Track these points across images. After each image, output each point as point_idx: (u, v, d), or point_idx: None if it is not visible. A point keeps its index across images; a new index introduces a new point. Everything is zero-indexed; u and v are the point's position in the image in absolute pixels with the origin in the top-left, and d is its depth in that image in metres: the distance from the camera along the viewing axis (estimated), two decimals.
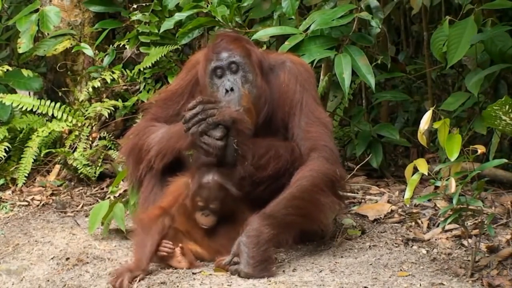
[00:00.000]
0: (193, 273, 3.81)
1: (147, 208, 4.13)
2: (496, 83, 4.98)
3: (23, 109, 5.65)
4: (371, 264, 3.88)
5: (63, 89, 6.03)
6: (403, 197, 4.11)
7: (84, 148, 5.64)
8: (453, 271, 3.77)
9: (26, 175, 5.48)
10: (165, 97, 4.37)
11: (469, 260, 3.82)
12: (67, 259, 4.24)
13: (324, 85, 5.13)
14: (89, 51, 5.85)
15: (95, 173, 5.53)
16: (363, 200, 4.84)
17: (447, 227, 4.20)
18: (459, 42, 4.56)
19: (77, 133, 5.70)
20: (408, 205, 4.59)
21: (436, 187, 3.84)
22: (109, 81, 5.78)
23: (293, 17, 4.99)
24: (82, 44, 5.89)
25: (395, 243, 4.18)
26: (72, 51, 5.93)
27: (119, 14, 6.13)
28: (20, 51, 5.77)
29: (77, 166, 5.49)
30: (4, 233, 4.72)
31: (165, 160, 4.10)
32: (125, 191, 5.05)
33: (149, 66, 5.73)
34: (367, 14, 4.77)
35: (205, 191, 3.94)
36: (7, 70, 5.82)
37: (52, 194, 5.40)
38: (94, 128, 5.78)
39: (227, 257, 3.79)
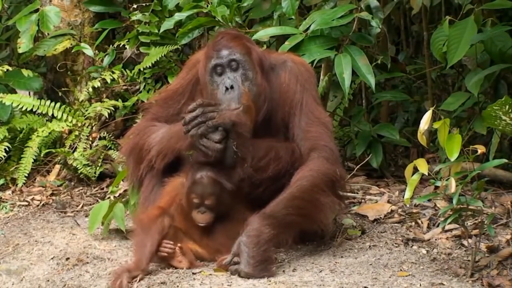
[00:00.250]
0: (193, 273, 3.81)
1: (147, 208, 4.14)
2: (496, 83, 4.98)
3: (23, 109, 5.65)
4: (371, 264, 3.88)
5: (63, 89, 6.03)
6: (403, 197, 4.11)
7: (84, 148, 5.64)
8: (453, 271, 3.77)
9: (26, 175, 5.49)
10: (165, 96, 4.37)
11: (469, 260, 3.82)
12: (67, 259, 4.24)
13: (324, 85, 5.13)
14: (89, 51, 5.85)
15: (95, 173, 5.53)
16: (363, 200, 4.84)
17: (447, 227, 4.20)
18: (459, 42, 4.56)
19: (77, 133, 5.70)
20: (408, 205, 4.59)
21: (436, 187, 3.84)
22: (109, 81, 5.78)
23: (293, 17, 4.99)
24: (82, 44, 5.89)
25: (395, 243, 4.18)
26: (72, 51, 5.94)
27: (119, 14, 6.13)
28: (20, 51, 5.78)
29: (77, 166, 5.49)
30: (4, 233, 4.72)
31: (166, 160, 4.11)
32: (125, 191, 5.05)
33: (149, 66, 5.73)
34: (367, 14, 4.77)
35: (199, 187, 3.94)
36: (7, 70, 5.82)
37: (52, 194, 5.40)
38: (94, 128, 5.78)
39: (227, 257, 3.79)
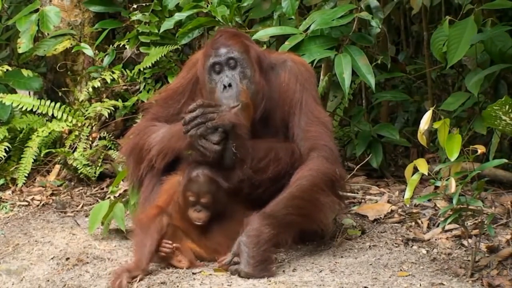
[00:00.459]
0: (193, 273, 3.81)
1: (146, 208, 4.13)
2: (496, 83, 4.98)
3: (23, 109, 5.65)
4: (371, 264, 3.88)
5: (63, 89, 6.03)
6: (403, 197, 4.11)
7: (84, 148, 5.64)
8: (453, 271, 3.77)
9: (26, 175, 5.48)
10: (165, 96, 4.37)
11: (469, 260, 3.82)
12: (67, 259, 4.24)
13: (324, 85, 5.13)
14: (89, 51, 5.85)
15: (95, 173, 5.53)
16: (363, 200, 4.84)
17: (447, 227, 4.20)
18: (459, 42, 4.56)
19: (77, 133, 5.70)
20: (408, 205, 4.59)
21: (436, 187, 3.84)
22: (109, 81, 5.78)
23: (293, 17, 4.99)
24: (82, 44, 5.89)
25: (395, 243, 4.18)
26: (72, 51, 5.94)
27: (119, 14, 6.13)
28: (20, 51, 5.78)
29: (77, 166, 5.49)
30: (4, 233, 4.72)
31: (166, 159, 4.11)
32: (125, 191, 5.05)
33: (149, 66, 5.73)
34: (367, 14, 4.77)
35: (195, 185, 3.94)
36: (7, 70, 5.82)
37: (52, 194, 5.40)
38: (94, 128, 5.78)
39: (227, 257, 3.79)
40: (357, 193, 4.93)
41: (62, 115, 5.69)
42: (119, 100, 5.84)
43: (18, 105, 5.65)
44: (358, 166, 5.12)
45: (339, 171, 4.02)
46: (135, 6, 5.92)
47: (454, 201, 3.63)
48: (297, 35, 4.76)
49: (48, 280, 4.11)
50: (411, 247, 4.14)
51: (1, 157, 5.50)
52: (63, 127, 5.65)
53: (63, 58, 6.00)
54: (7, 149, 5.54)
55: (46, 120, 5.77)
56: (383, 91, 5.59)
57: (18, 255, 4.38)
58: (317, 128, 4.11)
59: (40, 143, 5.57)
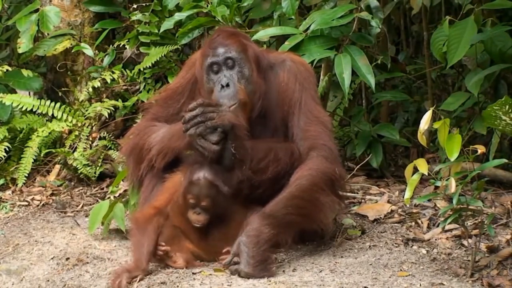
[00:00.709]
0: (193, 273, 3.81)
1: (143, 208, 4.13)
2: (496, 83, 4.98)
3: (23, 109, 5.65)
4: (371, 264, 3.88)
5: (63, 89, 6.03)
6: (403, 197, 4.11)
7: (84, 148, 5.64)
8: (453, 271, 3.77)
9: (26, 175, 5.49)
10: (165, 96, 4.37)
11: (469, 260, 3.82)
12: (67, 259, 4.24)
13: (324, 85, 5.13)
14: (89, 51, 5.85)
15: (95, 173, 5.53)
16: (363, 200, 4.84)
17: (447, 227, 4.19)
18: (459, 42, 4.56)
19: (77, 133, 5.70)
20: (408, 205, 4.59)
21: (436, 187, 3.84)
22: (109, 81, 5.78)
23: (293, 17, 4.99)
24: (82, 44, 5.89)
25: (395, 243, 4.18)
26: (72, 51, 5.94)
27: (119, 14, 6.13)
28: (20, 51, 5.78)
29: (77, 166, 5.49)
30: (4, 233, 4.72)
31: (166, 159, 4.10)
32: (125, 191, 5.05)
33: (149, 66, 5.73)
34: (367, 14, 4.77)
35: (195, 188, 3.93)
36: (7, 70, 5.82)
37: (52, 194, 5.40)
38: (94, 128, 5.78)
39: (227, 257, 3.79)
40: (357, 193, 4.93)
41: (62, 115, 5.69)
42: (119, 100, 5.84)
43: (18, 105, 5.65)
44: (358, 166, 5.12)
45: (338, 171, 4.02)
46: (135, 6, 5.92)
47: (454, 201, 3.63)
48: (297, 35, 4.76)
49: (48, 280, 4.11)
50: (411, 247, 4.14)
51: (1, 157, 5.50)
52: (63, 127, 5.65)
53: (63, 58, 6.00)
54: (7, 149, 5.54)
55: (46, 120, 5.77)
56: (383, 91, 5.59)
57: (18, 255, 4.38)
58: (316, 128, 4.11)
59: (40, 143, 5.57)
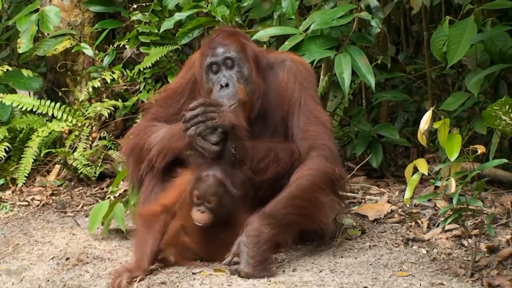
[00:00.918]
0: (193, 273, 3.81)
1: (150, 204, 4.10)
2: (496, 83, 4.98)
3: (23, 109, 5.66)
4: (371, 264, 3.88)
5: (63, 89, 6.03)
6: (403, 197, 4.11)
7: (84, 148, 5.64)
8: (453, 271, 3.77)
9: (26, 175, 5.49)
10: (165, 96, 4.37)
11: (469, 260, 3.82)
12: (67, 259, 4.24)
13: (324, 85, 5.13)
14: (89, 51, 5.85)
15: (95, 173, 5.53)
16: (363, 200, 4.84)
17: (447, 227, 4.19)
18: (459, 42, 4.56)
19: (77, 133, 5.71)
20: (408, 205, 4.59)
21: (436, 187, 3.84)
22: (109, 81, 5.78)
23: (293, 17, 4.99)
24: (82, 44, 5.89)
25: (395, 243, 4.18)
26: (72, 51, 5.94)
27: (119, 14, 6.13)
28: (20, 51, 5.78)
29: (77, 166, 5.49)
30: (4, 233, 4.72)
31: (166, 159, 4.10)
32: (125, 191, 5.05)
33: (149, 66, 5.73)
34: (367, 14, 4.77)
35: (202, 185, 3.88)
36: (7, 70, 5.82)
37: (52, 194, 5.40)
38: (94, 128, 5.78)
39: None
40: (357, 193, 4.93)
41: (62, 115, 5.70)
42: (119, 100, 5.84)
43: (18, 105, 5.65)
44: (358, 166, 5.12)
45: (338, 170, 4.02)
46: (135, 6, 5.92)
47: (454, 201, 3.62)
48: (297, 35, 4.76)
49: (48, 280, 4.11)
50: (411, 247, 4.14)
51: (1, 157, 5.50)
52: (63, 127, 5.65)
53: (63, 58, 6.00)
54: (7, 149, 5.54)
55: (46, 120, 5.77)
56: (383, 91, 5.59)
57: (18, 255, 4.38)
58: (316, 128, 4.11)
59: (40, 143, 5.57)
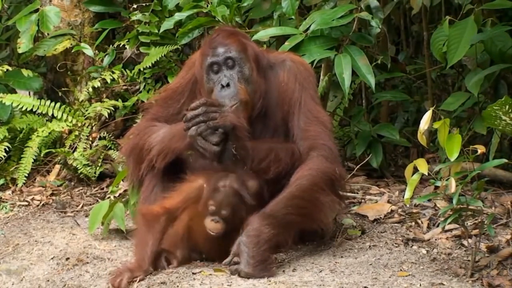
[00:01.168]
0: (193, 273, 3.81)
1: (151, 204, 4.10)
2: (496, 83, 4.98)
3: (23, 109, 5.66)
4: (371, 264, 3.88)
5: (63, 89, 6.03)
6: (403, 197, 4.11)
7: (84, 148, 5.64)
8: (453, 271, 3.77)
9: (26, 175, 5.49)
10: (165, 96, 4.37)
11: (469, 260, 3.82)
12: (67, 259, 4.24)
13: (324, 85, 5.13)
14: (89, 51, 5.85)
15: (95, 173, 5.53)
16: (363, 200, 4.84)
17: (447, 227, 4.19)
18: (459, 42, 4.56)
19: (77, 133, 5.71)
20: (408, 205, 4.59)
21: (436, 187, 3.84)
22: (109, 81, 5.78)
23: (293, 17, 4.99)
24: (82, 44, 5.89)
25: (395, 243, 4.18)
26: (72, 51, 5.94)
27: (119, 14, 6.13)
28: (20, 51, 5.78)
29: (77, 166, 5.49)
30: (4, 233, 4.72)
31: (166, 159, 4.09)
32: (125, 191, 5.05)
33: (149, 66, 5.73)
34: (367, 14, 4.77)
35: (219, 195, 3.85)
36: (7, 70, 5.82)
37: (52, 194, 5.40)
38: (94, 128, 5.78)
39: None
40: (357, 193, 4.93)
41: (62, 115, 5.70)
42: (119, 100, 5.84)
43: (18, 105, 5.65)
44: (358, 166, 5.12)
45: (338, 170, 4.02)
46: (135, 6, 5.92)
47: (454, 201, 3.62)
48: (297, 35, 4.76)
49: (48, 280, 4.11)
50: (411, 247, 4.14)
51: (1, 157, 5.50)
52: (63, 127, 5.65)
53: (63, 58, 6.00)
54: (7, 149, 5.54)
55: (46, 120, 5.77)
56: (383, 91, 5.59)
57: (18, 255, 4.39)
58: (316, 128, 4.11)
59: (40, 143, 5.57)
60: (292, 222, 3.86)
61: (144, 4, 5.88)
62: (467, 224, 4.03)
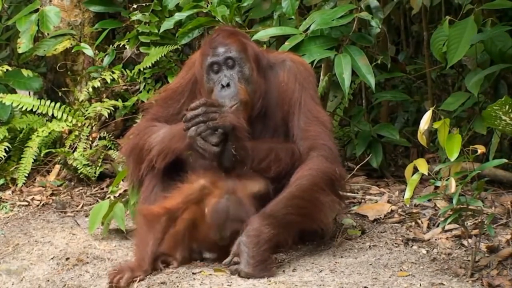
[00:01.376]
0: (193, 273, 3.81)
1: (152, 204, 4.09)
2: (496, 83, 4.98)
3: (23, 109, 5.66)
4: (371, 264, 3.88)
5: (63, 89, 6.03)
6: (403, 197, 4.11)
7: (84, 148, 5.64)
8: (453, 271, 3.77)
9: (26, 175, 5.49)
10: (165, 96, 4.37)
11: (469, 260, 3.82)
12: (67, 259, 4.24)
13: (324, 85, 5.13)
14: (89, 51, 5.85)
15: (95, 173, 5.53)
16: (363, 200, 4.84)
17: (447, 227, 4.19)
18: (459, 42, 4.56)
19: (77, 133, 5.71)
20: (408, 205, 4.59)
21: (436, 187, 3.84)
22: (109, 81, 5.78)
23: (293, 17, 4.99)
24: (82, 44, 5.89)
25: (395, 243, 4.18)
26: (72, 51, 5.94)
27: (119, 14, 6.13)
28: (20, 51, 5.78)
29: (77, 166, 5.49)
30: (4, 233, 4.72)
31: (166, 159, 4.09)
32: (125, 191, 5.05)
33: (149, 66, 5.73)
34: (367, 14, 4.77)
35: (218, 228, 3.86)
36: (7, 70, 5.82)
37: (52, 194, 5.40)
38: (94, 128, 5.78)
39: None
40: (357, 193, 4.93)
41: (62, 115, 5.70)
42: (119, 100, 5.84)
43: (18, 105, 5.65)
44: (358, 166, 5.12)
45: (339, 170, 4.02)
46: (135, 6, 5.92)
47: (454, 201, 3.62)
48: (297, 35, 4.76)
49: (48, 280, 4.11)
50: (411, 247, 4.14)
51: (1, 157, 5.50)
52: (63, 127, 5.65)
53: (63, 58, 6.00)
54: (7, 149, 5.54)
55: (46, 120, 5.77)
56: (383, 91, 5.59)
57: (18, 255, 4.39)
58: (316, 128, 4.11)
59: (40, 143, 5.57)
60: (292, 222, 3.86)
61: (144, 4, 5.88)
62: (467, 224, 4.03)
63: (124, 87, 5.90)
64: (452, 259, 3.95)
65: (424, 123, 3.69)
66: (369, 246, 4.16)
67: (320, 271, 3.79)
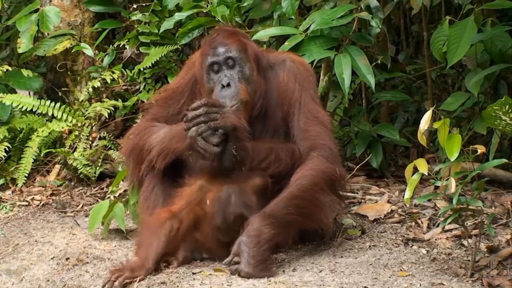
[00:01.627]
0: (193, 273, 3.81)
1: (148, 209, 4.11)
2: (496, 83, 4.98)
3: (23, 109, 5.66)
4: (371, 264, 3.88)
5: (63, 89, 6.03)
6: (403, 197, 4.11)
7: (84, 148, 5.64)
8: (453, 271, 3.77)
9: (26, 175, 5.49)
10: (165, 96, 4.37)
11: (469, 260, 3.82)
12: (67, 259, 4.24)
13: (324, 85, 5.13)
14: (89, 51, 5.85)
15: (95, 173, 5.53)
16: (363, 200, 4.84)
17: (447, 227, 4.19)
18: (459, 42, 4.56)
19: (77, 133, 5.71)
20: (408, 205, 4.59)
21: (436, 187, 3.84)
22: (109, 81, 5.78)
23: (293, 17, 4.99)
24: (82, 44, 5.89)
25: (395, 243, 4.18)
26: (72, 51, 5.94)
27: (119, 14, 6.13)
28: (20, 51, 5.78)
29: (77, 166, 5.49)
30: (4, 233, 4.72)
31: (167, 160, 4.09)
32: (125, 191, 5.05)
33: (149, 66, 5.73)
34: (367, 14, 4.77)
35: (223, 227, 3.87)
36: (7, 70, 5.82)
37: (52, 194, 5.40)
38: (94, 128, 5.78)
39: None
40: (357, 193, 4.93)
41: (62, 115, 5.70)
42: (119, 100, 5.84)
43: (18, 105, 5.65)
44: (358, 166, 5.12)
45: (339, 170, 4.02)
46: (135, 6, 5.91)
47: (454, 201, 3.63)
48: (297, 35, 4.76)
49: (48, 280, 4.11)
50: (411, 247, 4.14)
51: (1, 157, 5.50)
52: (63, 127, 5.65)
53: (63, 58, 6.00)
54: (7, 149, 5.54)
55: (46, 120, 5.77)
56: (383, 91, 5.59)
57: (18, 255, 4.39)
58: (316, 128, 4.11)
59: (40, 143, 5.57)
60: (292, 222, 3.87)
61: (144, 4, 5.88)
62: (467, 224, 4.03)
63: (124, 87, 5.90)
64: (452, 259, 3.95)
65: (424, 123, 3.69)
66: (369, 246, 4.16)
67: (320, 271, 3.79)
